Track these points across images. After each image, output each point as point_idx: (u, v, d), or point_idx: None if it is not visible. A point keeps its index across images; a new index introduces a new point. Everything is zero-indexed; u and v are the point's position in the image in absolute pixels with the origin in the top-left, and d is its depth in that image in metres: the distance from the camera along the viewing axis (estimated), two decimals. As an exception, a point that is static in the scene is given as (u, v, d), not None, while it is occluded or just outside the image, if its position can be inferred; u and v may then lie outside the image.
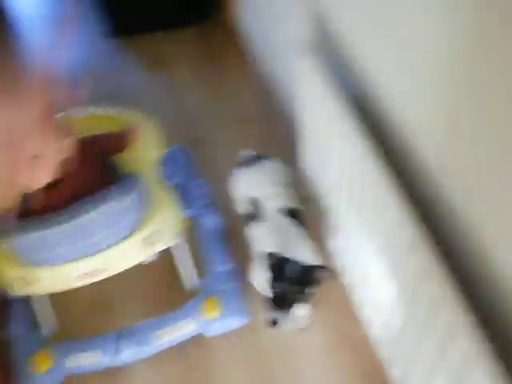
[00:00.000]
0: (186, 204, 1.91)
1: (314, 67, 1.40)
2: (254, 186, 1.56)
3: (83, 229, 1.34)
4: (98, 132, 1.56)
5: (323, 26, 1.45)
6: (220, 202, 1.98)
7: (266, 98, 2.39)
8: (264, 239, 1.45)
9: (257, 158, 1.64)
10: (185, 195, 1.96)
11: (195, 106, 2.45)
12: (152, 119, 1.72)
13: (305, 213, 1.53)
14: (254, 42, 2.45)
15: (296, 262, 1.30)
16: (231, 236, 1.90)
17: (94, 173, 1.47)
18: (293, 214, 1.48)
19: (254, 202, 1.53)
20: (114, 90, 2.57)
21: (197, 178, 2.04)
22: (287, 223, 1.45)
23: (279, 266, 1.29)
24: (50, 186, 1.34)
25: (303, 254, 1.34)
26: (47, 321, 1.71)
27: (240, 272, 1.78)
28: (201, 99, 2.48)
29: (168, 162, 1.87)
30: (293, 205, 1.51)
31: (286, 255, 1.30)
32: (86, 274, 1.43)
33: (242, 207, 1.62)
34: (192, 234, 1.83)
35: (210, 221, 1.90)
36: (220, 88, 2.50)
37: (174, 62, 2.69)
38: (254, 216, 1.51)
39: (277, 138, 2.21)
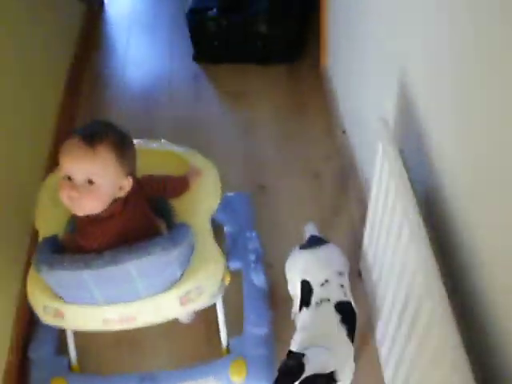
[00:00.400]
0: (233, 255, 1.84)
1: (392, 149, 1.28)
2: (309, 269, 1.49)
3: (121, 275, 1.27)
4: (156, 170, 1.52)
5: (410, 108, 1.33)
6: (271, 257, 1.88)
7: (341, 157, 2.26)
8: (300, 329, 1.39)
9: (318, 240, 1.59)
10: (235, 246, 1.88)
11: (266, 148, 2.36)
12: (214, 164, 1.64)
13: (355, 308, 1.44)
14: (341, 97, 2.34)
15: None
16: (275, 298, 1.80)
17: (145, 215, 1.41)
18: (342, 307, 1.40)
19: (305, 286, 1.46)
20: (189, 116, 2.54)
21: (251, 228, 1.94)
22: (331, 318, 1.37)
23: (293, 368, 1.21)
24: (96, 221, 1.29)
25: (325, 359, 1.25)
26: (70, 349, 1.65)
27: (274, 338, 1.69)
28: (273, 141, 2.39)
29: (225, 208, 1.79)
30: (344, 298, 1.42)
31: (309, 356, 1.22)
32: (115, 320, 1.36)
33: (292, 288, 1.56)
34: (236, 286, 1.74)
35: (255, 278, 1.80)
36: (297, 134, 2.40)
37: (254, 97, 2.62)
38: (302, 300, 1.45)
39: (343, 210, 2.08)
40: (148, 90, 2.74)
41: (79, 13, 3.00)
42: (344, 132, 2.24)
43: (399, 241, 1.25)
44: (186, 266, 1.38)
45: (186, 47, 2.84)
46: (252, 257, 1.84)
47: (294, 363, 1.21)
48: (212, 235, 1.48)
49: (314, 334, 1.34)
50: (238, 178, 2.23)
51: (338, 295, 1.41)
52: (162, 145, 1.71)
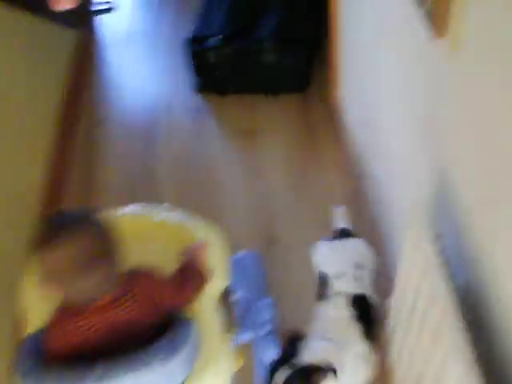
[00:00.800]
0: (245, 326, 1.66)
1: (424, 232, 1.11)
2: (328, 261, 1.52)
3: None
4: (158, 242, 1.37)
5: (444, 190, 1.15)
6: (286, 324, 1.69)
7: (359, 204, 2.06)
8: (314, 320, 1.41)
9: (345, 234, 1.61)
10: (247, 315, 1.71)
11: (276, 195, 2.15)
12: (220, 232, 1.44)
13: (376, 302, 1.44)
14: (356, 134, 2.16)
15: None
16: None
17: (141, 312, 1.23)
18: (358, 302, 1.40)
19: (323, 279, 1.48)
20: (191, 156, 2.35)
21: (264, 294, 1.76)
22: (342, 313, 1.37)
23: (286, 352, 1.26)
24: (79, 312, 1.12)
25: (327, 352, 1.26)
26: None
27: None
28: (284, 187, 2.17)
29: (234, 271, 1.61)
30: (363, 291, 1.42)
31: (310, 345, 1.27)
32: None
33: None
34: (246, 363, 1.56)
35: (267, 353, 1.62)
36: (310, 178, 2.18)
37: (262, 134, 2.41)
38: (320, 293, 1.47)
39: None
40: (146, 125, 2.54)
41: (71, 42, 2.80)
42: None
43: (434, 348, 1.07)
44: (190, 369, 1.21)
45: (188, 75, 2.64)
46: (264, 329, 1.66)
47: (288, 348, 1.26)
48: (219, 325, 1.30)
49: (325, 327, 1.34)
50: (245, 229, 2.04)
51: (352, 289, 1.40)
52: (164, 212, 1.52)
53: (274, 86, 2.55)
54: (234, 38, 2.46)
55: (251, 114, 2.50)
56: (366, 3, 1.68)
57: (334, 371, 1.23)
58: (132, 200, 2.12)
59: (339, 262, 1.48)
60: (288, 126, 2.42)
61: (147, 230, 1.42)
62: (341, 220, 1.71)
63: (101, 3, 3.39)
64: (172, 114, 2.58)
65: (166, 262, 1.29)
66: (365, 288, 1.43)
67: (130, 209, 1.50)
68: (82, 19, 3.03)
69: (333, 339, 1.29)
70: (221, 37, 2.45)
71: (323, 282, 1.47)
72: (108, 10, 3.37)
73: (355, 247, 1.54)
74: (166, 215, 1.50)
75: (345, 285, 1.42)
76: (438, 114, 1.16)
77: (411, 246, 1.19)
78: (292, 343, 1.34)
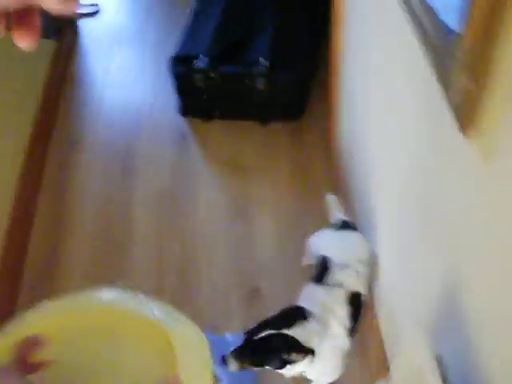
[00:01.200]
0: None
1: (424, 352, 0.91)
2: (333, 249, 1.49)
3: None
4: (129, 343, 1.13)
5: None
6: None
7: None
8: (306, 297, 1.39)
9: (348, 225, 1.57)
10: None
11: (263, 241, 1.95)
12: (202, 337, 1.20)
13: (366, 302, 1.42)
14: (354, 177, 1.93)
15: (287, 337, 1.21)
16: None
17: None
18: (353, 299, 1.38)
19: (324, 264, 1.44)
20: (171, 193, 2.14)
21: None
22: (338, 306, 1.34)
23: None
24: None
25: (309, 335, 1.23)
26: None
27: None
28: (273, 232, 1.97)
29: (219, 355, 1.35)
30: (356, 288, 1.39)
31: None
32: None
33: (308, 259, 1.61)
34: None
35: None
36: (301, 223, 1.96)
37: (250, 167, 2.21)
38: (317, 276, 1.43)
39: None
40: (124, 151, 2.32)
41: (47, 54, 2.57)
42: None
43: None
44: None
45: (173, 97, 2.42)
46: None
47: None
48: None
49: (313, 310, 1.29)
50: (227, 278, 1.85)
51: (351, 283, 1.38)
52: (139, 303, 1.28)
53: (265, 113, 2.33)
54: (223, 59, 2.25)
55: (238, 145, 2.28)
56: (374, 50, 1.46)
57: (313, 353, 1.22)
58: (102, 250, 1.98)
59: (344, 253, 1.46)
60: (278, 162, 2.21)
61: (117, 328, 1.19)
62: (337, 210, 1.68)
63: (85, 6, 3.17)
64: (154, 139, 2.36)
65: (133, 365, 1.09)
66: (362, 285, 1.41)
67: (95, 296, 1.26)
68: (63, 26, 2.80)
69: (319, 324, 1.28)
70: (207, 58, 2.23)
71: (323, 268, 1.44)
72: (92, 14, 3.14)
73: (358, 242, 1.52)
74: (137, 307, 1.26)
75: (347, 278, 1.39)
76: (451, 217, 0.95)
77: (408, 363, 1.00)
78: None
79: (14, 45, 0.42)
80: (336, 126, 2.08)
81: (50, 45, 2.60)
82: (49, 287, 1.84)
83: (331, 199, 1.74)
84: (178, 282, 1.86)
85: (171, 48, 2.36)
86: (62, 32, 2.76)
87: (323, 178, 2.10)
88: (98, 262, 1.92)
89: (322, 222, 1.88)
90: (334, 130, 2.10)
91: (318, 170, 2.15)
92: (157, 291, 1.80)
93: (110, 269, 1.90)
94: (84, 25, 3.05)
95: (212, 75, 2.21)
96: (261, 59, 2.20)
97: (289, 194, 2.09)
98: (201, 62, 2.22)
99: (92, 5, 3.17)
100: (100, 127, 2.44)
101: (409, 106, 1.14)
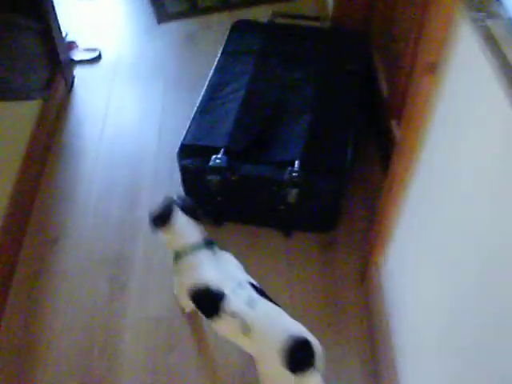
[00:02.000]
0: None
1: None
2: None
3: None
4: None
5: None
6: None
7: None
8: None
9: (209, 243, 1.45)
10: None
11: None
12: None
13: None
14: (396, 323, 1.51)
15: None
16: None
17: None
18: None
19: None
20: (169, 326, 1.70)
21: None
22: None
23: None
24: None
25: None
26: None
27: None
28: None
29: None
30: None
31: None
32: None
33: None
34: None
35: None
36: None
37: (270, 288, 1.76)
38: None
39: None
40: (114, 260, 1.88)
41: (28, 120, 2.11)
42: None
43: None
44: None
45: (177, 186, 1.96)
46: None
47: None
48: None
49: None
50: None
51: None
52: None
53: (290, 222, 1.89)
54: (243, 155, 1.80)
55: (255, 255, 1.83)
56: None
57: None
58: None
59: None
60: (301, 282, 1.78)
61: None
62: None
63: (86, 50, 2.72)
64: (149, 252, 1.90)
65: None
66: None
67: None
68: (53, 80, 2.35)
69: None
70: (223, 152, 1.78)
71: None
72: (91, 61, 2.70)
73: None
74: None
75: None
76: None
77: None
78: None
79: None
80: (380, 250, 1.64)
81: (32, 108, 2.14)
82: None
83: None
84: None
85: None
86: (52, 88, 2.31)
87: (356, 306, 1.68)
88: None
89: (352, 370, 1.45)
90: (377, 254, 1.66)
91: (351, 296, 1.73)
92: None
93: None
94: (80, 73, 2.62)
95: (230, 177, 1.76)
96: (291, 158, 1.76)
97: (315, 322, 1.61)
98: (216, 159, 1.77)
99: (92, 49, 2.72)
100: (85, 220, 1.98)
101: None
